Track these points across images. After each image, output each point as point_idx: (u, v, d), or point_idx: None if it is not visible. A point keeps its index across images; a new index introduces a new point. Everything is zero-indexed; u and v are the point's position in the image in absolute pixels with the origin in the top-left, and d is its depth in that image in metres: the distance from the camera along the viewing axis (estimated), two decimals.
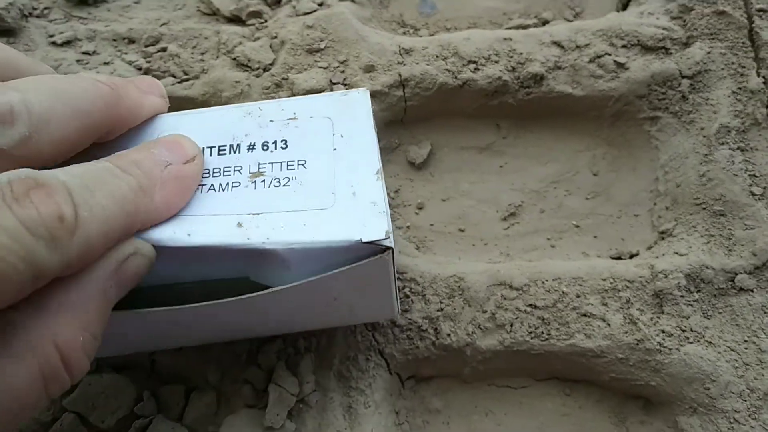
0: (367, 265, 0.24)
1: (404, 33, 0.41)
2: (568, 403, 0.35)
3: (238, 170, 0.26)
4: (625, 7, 0.42)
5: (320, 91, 0.36)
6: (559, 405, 0.35)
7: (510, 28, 0.41)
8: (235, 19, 0.40)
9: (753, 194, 0.35)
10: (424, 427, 0.34)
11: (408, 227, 0.37)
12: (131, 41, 0.38)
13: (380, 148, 0.38)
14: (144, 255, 0.23)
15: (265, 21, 0.39)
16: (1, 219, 0.18)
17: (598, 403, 0.35)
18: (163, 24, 0.39)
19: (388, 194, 0.38)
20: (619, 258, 0.37)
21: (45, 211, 0.19)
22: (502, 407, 0.35)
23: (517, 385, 0.35)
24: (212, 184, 0.25)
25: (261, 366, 0.33)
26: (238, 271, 0.24)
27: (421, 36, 0.41)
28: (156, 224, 0.23)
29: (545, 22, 0.42)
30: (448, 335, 0.34)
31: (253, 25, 0.39)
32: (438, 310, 0.34)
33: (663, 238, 0.37)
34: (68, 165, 0.21)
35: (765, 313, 0.34)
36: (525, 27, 0.41)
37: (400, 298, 0.34)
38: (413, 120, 0.39)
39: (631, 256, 0.37)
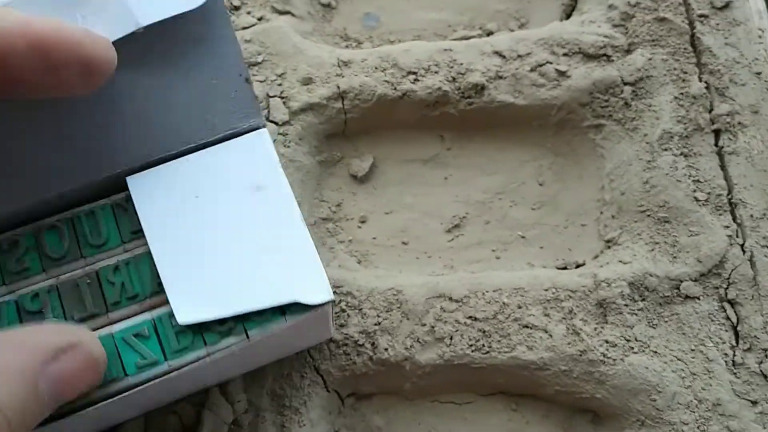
0: (314, 316, 0.24)
1: (347, 46, 0.41)
2: (514, 419, 0.34)
3: None
4: (568, 17, 0.41)
5: None
6: (505, 420, 0.34)
7: (454, 40, 0.41)
8: None
9: (697, 200, 0.34)
10: None
11: (350, 241, 0.37)
12: None
13: (322, 161, 0.37)
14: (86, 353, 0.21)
15: None
16: None
17: (545, 418, 0.34)
18: None
19: (329, 208, 0.37)
20: (565, 268, 0.36)
21: None
22: (447, 424, 0.34)
23: (462, 401, 0.34)
24: None
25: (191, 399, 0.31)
26: None
27: (363, 49, 0.40)
28: None
29: (489, 33, 0.41)
30: (386, 349, 0.32)
31: None
32: (375, 324, 0.33)
33: (609, 247, 0.36)
34: None
35: (712, 320, 0.33)
36: (469, 38, 0.41)
37: (336, 313, 0.33)
38: (355, 132, 0.38)
39: (578, 266, 0.36)
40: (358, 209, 0.37)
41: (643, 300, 0.33)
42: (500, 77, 0.37)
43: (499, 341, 0.32)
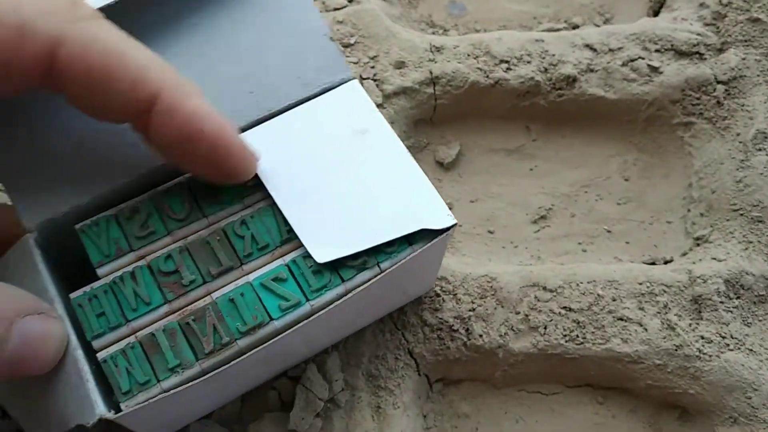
0: (439, 241, 0.24)
1: (433, 33, 0.41)
2: (600, 412, 0.34)
3: None
4: (656, 14, 0.41)
5: None
6: (591, 414, 0.34)
7: (541, 32, 0.40)
8: None
9: None
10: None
11: None
12: None
13: (409, 146, 0.37)
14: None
15: None
16: None
17: (632, 413, 0.34)
18: None
19: None
20: (653, 263, 0.36)
21: None
22: (533, 414, 0.34)
23: (549, 392, 0.34)
24: None
25: (288, 374, 0.31)
26: None
27: (450, 36, 0.40)
28: None
29: (575, 27, 0.41)
30: (480, 336, 0.32)
31: None
32: (470, 310, 0.33)
33: (698, 245, 0.36)
34: None
35: None
36: (555, 30, 0.41)
37: (431, 297, 0.33)
38: (443, 120, 0.38)
39: (665, 263, 0.36)
40: (444, 196, 0.37)
41: (738, 298, 0.33)
42: (591, 70, 0.37)
43: (593, 332, 0.32)
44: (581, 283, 0.33)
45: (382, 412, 0.31)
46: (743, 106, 0.36)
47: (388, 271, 0.24)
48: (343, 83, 0.27)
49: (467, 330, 0.32)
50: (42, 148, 0.25)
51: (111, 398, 0.22)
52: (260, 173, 0.25)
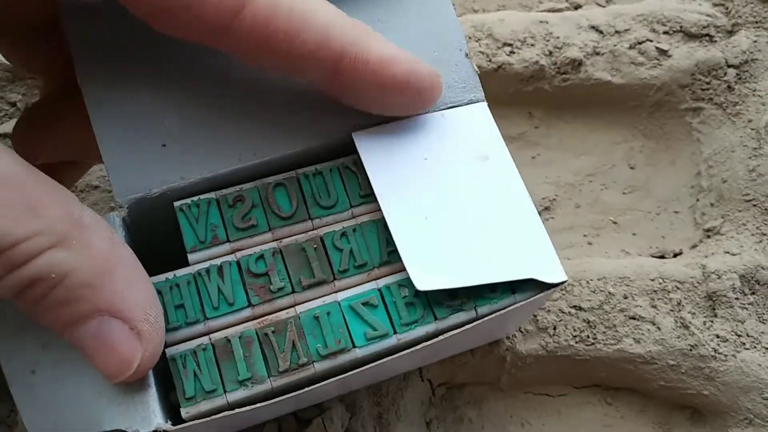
0: (544, 296, 0.22)
1: None
2: (609, 413, 0.33)
3: None
4: None
5: None
6: (600, 415, 0.32)
7: (542, 12, 0.38)
8: None
9: None
10: None
11: None
12: None
13: None
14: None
15: None
16: None
17: (642, 414, 0.32)
18: None
19: None
20: (662, 257, 0.34)
21: None
22: (540, 417, 0.32)
23: (556, 393, 0.33)
24: None
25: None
26: None
27: None
28: None
29: (577, 7, 0.39)
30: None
31: None
32: None
33: (709, 236, 0.34)
34: None
35: None
36: (557, 11, 0.38)
37: None
38: None
39: (674, 255, 0.34)
40: None
41: (753, 294, 0.32)
42: (597, 53, 0.35)
43: (604, 333, 0.31)
44: (591, 280, 0.32)
45: (384, 421, 0.29)
46: (755, 91, 0.35)
47: (485, 319, 0.22)
48: (471, 103, 0.25)
49: None
50: (151, 121, 0.22)
51: (163, 401, 0.20)
52: (373, 182, 0.23)
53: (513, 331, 0.31)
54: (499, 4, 0.39)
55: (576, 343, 0.31)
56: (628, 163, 0.37)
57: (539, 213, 0.35)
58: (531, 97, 0.36)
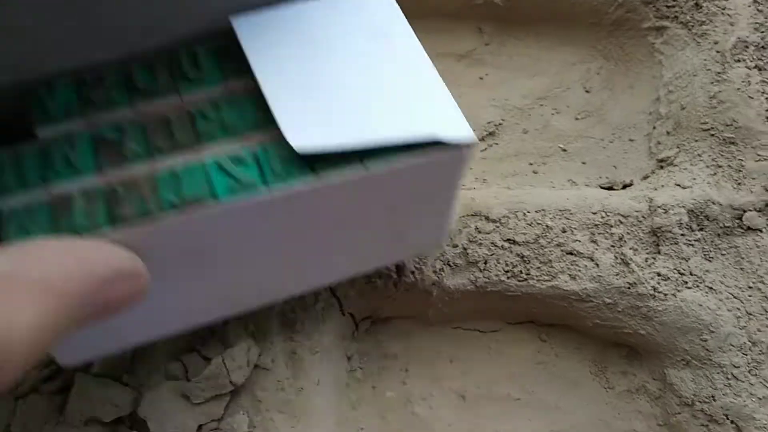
0: (449, 160, 0.20)
1: None
2: (543, 350, 0.31)
3: None
4: None
5: None
6: (533, 352, 0.31)
7: None
8: None
9: None
10: (379, 374, 0.30)
11: None
12: None
13: None
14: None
15: None
16: None
17: (577, 351, 0.31)
18: None
19: None
20: (610, 188, 0.32)
21: None
22: (469, 353, 0.31)
23: (487, 329, 0.31)
24: None
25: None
26: None
27: None
28: None
29: None
30: (413, 273, 0.29)
31: None
32: None
33: (662, 167, 0.32)
34: None
35: None
36: None
37: None
38: None
39: (624, 186, 0.32)
40: None
41: (701, 230, 0.29)
42: None
43: (539, 268, 0.29)
44: (528, 212, 0.30)
45: (297, 358, 0.27)
46: (724, 9, 0.32)
47: (375, 173, 0.19)
48: None
49: (398, 267, 0.29)
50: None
51: None
52: (250, 57, 0.20)
53: (434, 241, 0.27)
54: None
55: (508, 278, 0.29)
56: (584, 86, 0.34)
57: (482, 138, 0.33)
58: (481, 10, 0.33)
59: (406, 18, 0.32)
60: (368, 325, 0.30)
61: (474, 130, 0.32)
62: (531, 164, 0.33)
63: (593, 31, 0.34)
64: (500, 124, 0.33)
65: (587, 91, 0.34)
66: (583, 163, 0.33)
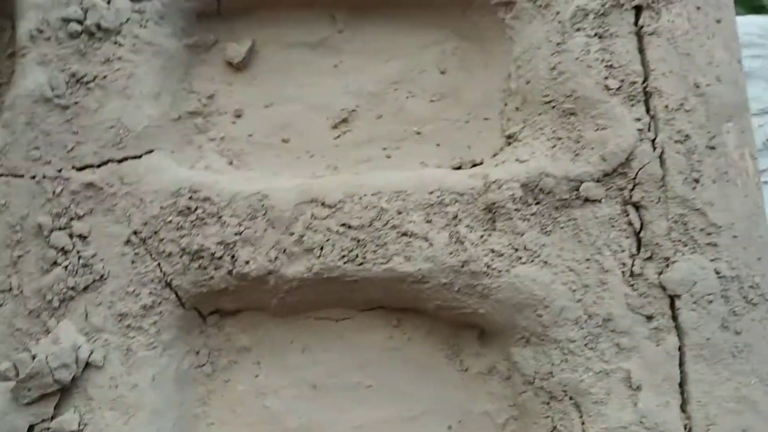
0: None
1: None
2: (395, 336, 0.31)
3: None
4: None
5: None
6: (385, 338, 0.31)
7: None
8: None
9: (608, 88, 0.30)
10: (230, 367, 0.31)
11: (222, 138, 0.33)
12: None
13: (192, 45, 0.33)
14: None
15: None
16: None
17: (429, 335, 0.31)
18: None
19: (199, 100, 0.33)
20: (459, 168, 0.32)
21: None
22: (321, 342, 0.31)
23: (339, 317, 0.31)
24: None
25: None
26: None
27: None
28: None
29: None
30: (247, 262, 0.29)
31: None
32: (236, 234, 0.29)
33: (509, 144, 0.32)
34: None
35: (612, 226, 0.29)
36: None
37: (192, 222, 0.29)
38: (232, 12, 0.33)
39: (474, 165, 0.32)
40: (233, 102, 0.33)
41: (538, 203, 0.29)
42: None
43: (374, 251, 0.29)
44: (365, 195, 0.30)
45: (131, 354, 0.28)
46: None
47: None
48: None
49: (232, 257, 0.29)
50: None
51: None
52: None
53: None
54: None
55: (344, 263, 0.29)
56: (439, 67, 0.34)
57: (335, 126, 0.33)
58: None
59: (257, 9, 0.33)
60: (217, 318, 0.31)
61: (328, 118, 0.33)
62: (384, 149, 0.33)
63: (447, 12, 0.33)
64: (354, 110, 0.33)
65: (442, 73, 0.34)
66: (438, 145, 0.33)
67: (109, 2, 0.29)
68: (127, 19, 0.30)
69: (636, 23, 0.31)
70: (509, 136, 0.31)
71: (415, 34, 0.34)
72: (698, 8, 0.30)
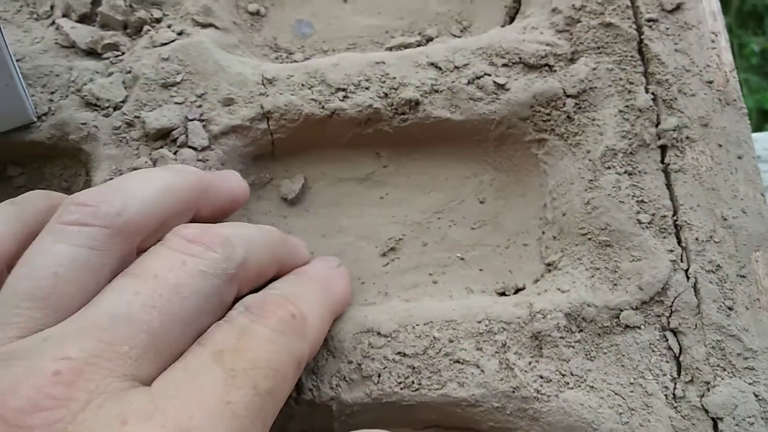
0: None
1: (277, 58, 0.39)
2: None
3: None
4: (511, 20, 0.39)
5: (173, 130, 0.34)
6: None
7: (392, 48, 0.38)
8: (91, 53, 0.37)
9: (640, 222, 0.32)
10: None
11: None
12: None
13: (251, 184, 0.35)
14: None
15: (122, 54, 0.37)
16: (260, 333, 0.25)
17: None
18: (18, 60, 0.37)
19: None
20: (503, 293, 0.34)
21: (283, 315, 0.26)
22: None
23: None
24: None
25: None
26: None
27: (296, 61, 0.38)
28: None
29: (429, 39, 0.39)
30: (310, 390, 0.31)
31: (108, 59, 0.36)
32: None
33: (549, 271, 0.34)
34: None
35: (653, 351, 0.31)
36: (407, 45, 0.38)
37: None
38: (284, 152, 0.36)
39: (517, 291, 0.34)
40: (291, 233, 0.36)
41: (581, 331, 0.31)
42: (436, 91, 0.35)
43: (429, 378, 0.31)
44: (417, 325, 0.32)
45: None
46: (594, 120, 0.34)
47: None
48: None
49: (297, 385, 0.31)
50: None
51: None
52: None
53: (13, 112, 0.34)
54: (350, 43, 0.39)
55: (401, 389, 0.31)
56: (478, 197, 0.36)
57: (384, 254, 0.36)
58: (374, 138, 0.36)
59: (307, 149, 0.36)
60: None
61: (377, 246, 0.35)
62: (431, 275, 0.35)
63: (481, 147, 0.36)
64: (401, 239, 0.36)
65: (482, 202, 0.36)
66: (481, 270, 0.35)
67: (175, 153, 0.32)
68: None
69: (662, 161, 0.33)
70: (549, 264, 0.34)
71: (454, 167, 0.37)
72: (720, 146, 0.33)
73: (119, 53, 0.37)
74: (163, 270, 0.24)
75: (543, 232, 0.35)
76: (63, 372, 0.21)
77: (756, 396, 0.30)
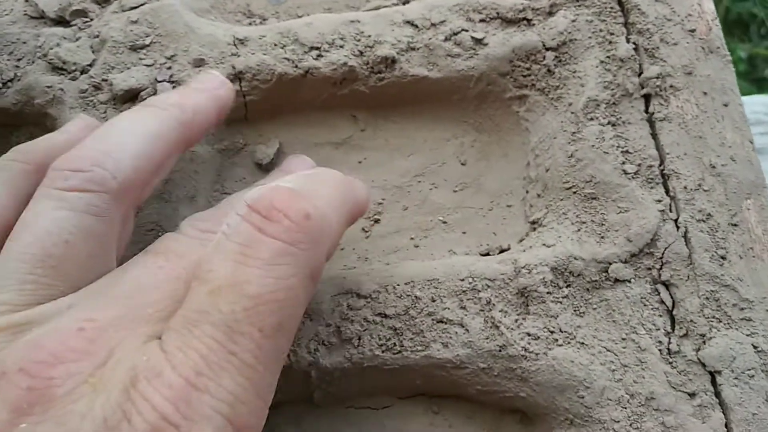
0: None
1: (250, 24, 0.37)
2: (436, 422, 0.31)
3: None
4: None
5: (142, 91, 0.33)
6: (426, 425, 0.31)
7: (366, 11, 0.37)
8: (60, 21, 0.36)
9: (626, 173, 0.31)
10: None
11: None
12: None
13: (223, 149, 0.34)
14: None
15: (90, 20, 0.35)
16: (263, 251, 0.21)
17: (470, 420, 0.31)
18: None
19: None
20: (487, 254, 0.33)
21: (294, 216, 0.22)
22: (363, 431, 0.31)
23: (379, 406, 0.31)
24: None
25: None
26: None
27: (268, 25, 0.37)
28: None
29: (407, 2, 0.38)
30: (288, 355, 0.29)
31: (76, 25, 0.35)
32: None
33: (534, 229, 0.33)
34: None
35: (644, 305, 0.30)
36: (383, 7, 0.37)
37: None
38: (258, 116, 0.35)
39: (502, 251, 0.33)
40: None
41: (569, 286, 0.30)
42: (412, 49, 0.34)
43: (411, 339, 0.30)
44: (398, 285, 0.30)
45: None
46: (575, 72, 0.33)
47: None
48: None
49: None
50: None
51: None
52: None
53: None
54: (325, 8, 0.38)
55: (382, 352, 0.30)
56: (459, 159, 0.35)
57: (364, 219, 0.34)
58: (350, 99, 0.35)
59: (281, 113, 0.35)
60: None
61: None
62: (412, 239, 0.34)
63: (461, 107, 0.35)
64: (380, 203, 0.34)
65: (463, 164, 0.35)
66: (464, 233, 0.34)
67: None
68: None
69: (647, 110, 0.32)
70: (533, 222, 0.32)
71: (433, 129, 0.35)
72: (705, 93, 0.32)
73: (88, 19, 0.35)
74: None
75: (527, 192, 0.34)
76: (87, 329, 0.21)
77: (755, 347, 0.29)
